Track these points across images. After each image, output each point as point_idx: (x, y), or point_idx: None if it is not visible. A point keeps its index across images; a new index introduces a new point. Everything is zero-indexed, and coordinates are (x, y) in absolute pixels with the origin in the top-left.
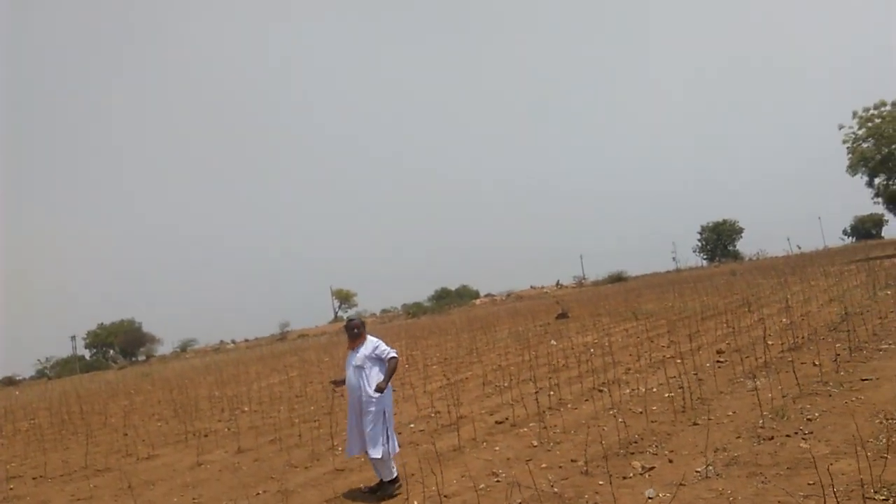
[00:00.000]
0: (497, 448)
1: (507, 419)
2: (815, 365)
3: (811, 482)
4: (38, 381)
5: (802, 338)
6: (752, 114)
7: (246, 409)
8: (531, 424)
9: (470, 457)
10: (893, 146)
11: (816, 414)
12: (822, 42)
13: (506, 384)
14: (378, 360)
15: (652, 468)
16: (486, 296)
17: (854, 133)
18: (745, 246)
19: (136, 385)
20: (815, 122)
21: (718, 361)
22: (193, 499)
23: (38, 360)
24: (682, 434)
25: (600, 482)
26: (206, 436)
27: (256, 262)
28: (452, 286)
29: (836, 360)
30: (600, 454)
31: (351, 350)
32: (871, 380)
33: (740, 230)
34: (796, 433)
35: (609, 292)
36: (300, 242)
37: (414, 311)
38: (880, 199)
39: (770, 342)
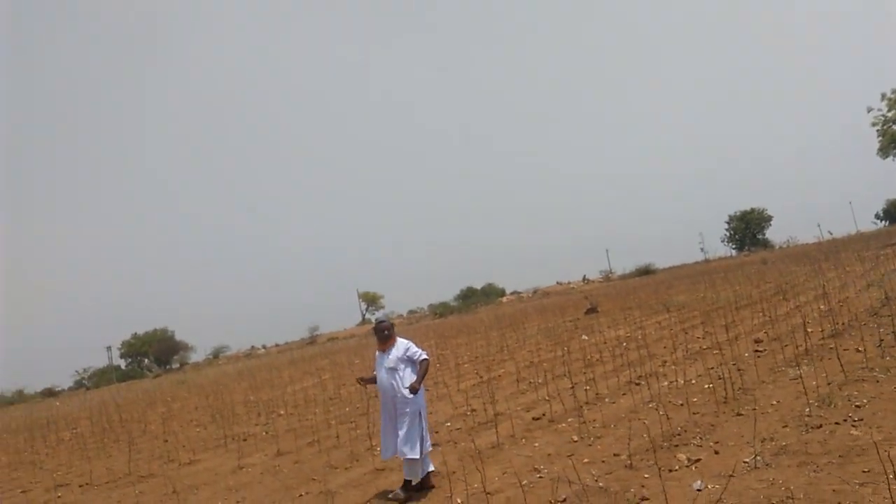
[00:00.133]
0: (537, 444)
1: (544, 415)
2: (858, 351)
3: (866, 469)
4: (76, 391)
5: (843, 324)
6: (778, 99)
7: (282, 412)
8: (569, 420)
9: (510, 453)
10: None
11: (864, 400)
12: (852, 22)
13: (540, 380)
14: (410, 361)
15: (698, 460)
16: (513, 293)
17: (883, 115)
18: (774, 234)
19: (172, 392)
20: (843, 105)
21: (757, 351)
22: (237, 502)
23: (76, 371)
24: (726, 425)
25: (646, 475)
26: (244, 440)
27: (283, 267)
28: (478, 285)
29: (880, 345)
30: (643, 447)
31: (381, 352)
32: None
33: (769, 218)
34: (845, 420)
35: (637, 285)
36: (325, 246)
37: (441, 310)
38: None
39: (810, 329)
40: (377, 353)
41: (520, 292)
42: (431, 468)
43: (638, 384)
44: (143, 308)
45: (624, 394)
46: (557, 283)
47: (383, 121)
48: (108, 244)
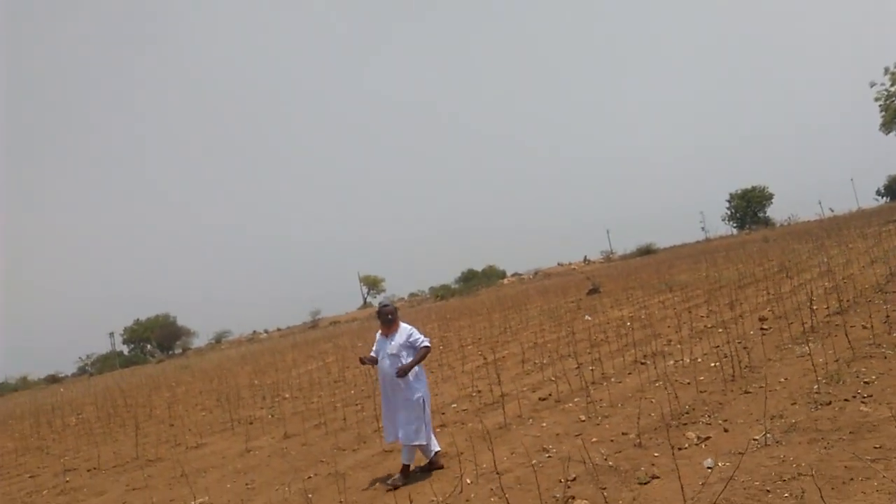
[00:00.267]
0: (544, 424)
1: (550, 395)
2: (864, 328)
3: (877, 445)
4: (79, 377)
5: (848, 301)
6: (778, 76)
7: (287, 395)
8: (576, 399)
9: (517, 433)
10: None
11: (873, 377)
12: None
13: (545, 361)
14: (412, 348)
15: (707, 438)
16: (514, 275)
17: (886, 90)
18: (775, 212)
19: (176, 377)
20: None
21: (762, 329)
22: (246, 484)
23: (80, 357)
24: (734, 403)
25: (655, 454)
26: (251, 423)
27: (284, 252)
28: (478, 267)
29: (886, 321)
30: (652, 426)
31: (384, 336)
32: None
33: (770, 196)
34: (854, 397)
35: (639, 265)
36: (326, 230)
37: (442, 293)
38: None
39: (815, 307)
40: (378, 335)
41: (520, 274)
42: (437, 448)
43: (644, 363)
44: (145, 294)
45: (630, 373)
46: (558, 264)
47: (383, 105)
48: (110, 231)
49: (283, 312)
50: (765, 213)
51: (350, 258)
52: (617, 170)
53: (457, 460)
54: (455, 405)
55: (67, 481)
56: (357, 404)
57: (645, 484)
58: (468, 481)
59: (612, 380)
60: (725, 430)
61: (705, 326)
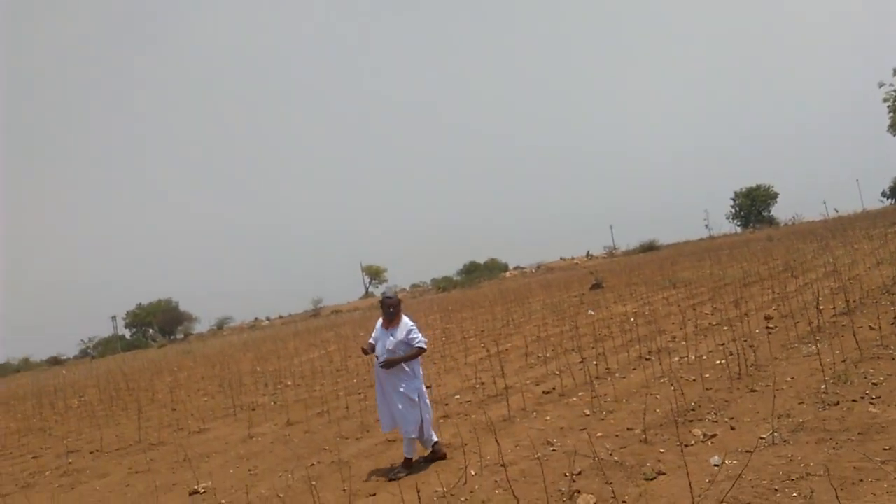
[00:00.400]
0: (548, 418)
1: (554, 389)
2: (872, 329)
3: (887, 447)
4: (81, 360)
5: (854, 301)
6: (784, 74)
7: (289, 383)
8: (580, 394)
9: (521, 426)
10: None
11: (882, 378)
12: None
13: (548, 354)
14: (409, 346)
15: (714, 435)
16: (516, 268)
17: (895, 91)
18: (780, 211)
19: (178, 362)
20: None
21: (768, 327)
22: (249, 470)
23: (82, 340)
24: (740, 401)
25: (661, 450)
26: (253, 409)
27: (287, 240)
28: (481, 260)
29: (894, 322)
30: (657, 422)
31: (384, 329)
32: None
33: (775, 195)
34: (862, 398)
35: (642, 261)
36: (329, 219)
37: (444, 285)
38: None
39: (821, 306)
40: (379, 324)
41: (523, 267)
42: (436, 438)
43: (649, 359)
44: (147, 279)
45: (634, 369)
46: (561, 258)
47: (386, 96)
48: (115, 217)
49: (285, 300)
50: (769, 211)
51: (353, 248)
52: (621, 166)
53: (461, 451)
54: (458, 396)
55: (70, 463)
56: (360, 393)
57: (651, 480)
58: (472, 473)
59: (617, 375)
60: (732, 428)
61: (710, 324)
